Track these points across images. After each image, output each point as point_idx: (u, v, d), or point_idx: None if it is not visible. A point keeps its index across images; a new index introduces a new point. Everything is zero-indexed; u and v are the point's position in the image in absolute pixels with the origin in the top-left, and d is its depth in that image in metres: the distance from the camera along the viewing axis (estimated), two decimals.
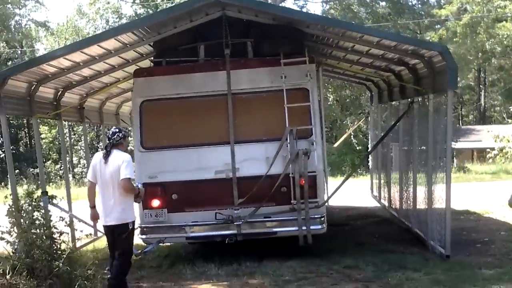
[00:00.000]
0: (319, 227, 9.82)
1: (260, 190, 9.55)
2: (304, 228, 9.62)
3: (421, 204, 10.90)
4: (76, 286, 7.68)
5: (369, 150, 20.27)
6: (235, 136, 9.93)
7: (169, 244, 11.36)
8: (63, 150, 15.41)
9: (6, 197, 8.49)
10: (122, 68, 12.20)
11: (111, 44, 10.55)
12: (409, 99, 11.64)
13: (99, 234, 12.89)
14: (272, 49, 10.18)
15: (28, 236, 7.95)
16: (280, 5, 43.70)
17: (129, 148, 9.18)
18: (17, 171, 36.50)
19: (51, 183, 34.69)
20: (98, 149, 42.08)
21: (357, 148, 37.40)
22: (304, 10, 73.52)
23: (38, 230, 8.20)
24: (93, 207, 8.10)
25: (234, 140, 9.92)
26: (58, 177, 39.70)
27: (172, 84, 10.23)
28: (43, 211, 8.60)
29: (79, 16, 50.88)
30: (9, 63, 46.69)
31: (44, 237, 8.13)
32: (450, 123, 9.30)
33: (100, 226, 8.34)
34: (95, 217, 8.14)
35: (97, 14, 49.74)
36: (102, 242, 12.24)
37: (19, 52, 49.04)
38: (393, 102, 13.52)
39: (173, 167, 9.94)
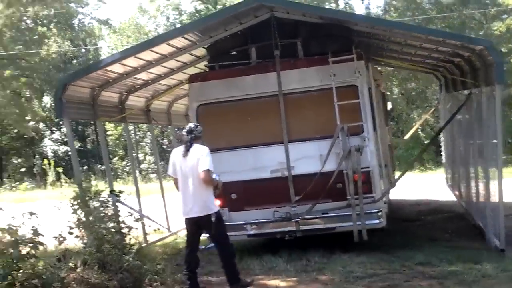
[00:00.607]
0: (376, 221, 10.05)
1: (315, 187, 9.87)
2: (359, 223, 9.87)
3: (482, 198, 10.88)
4: (146, 280, 8.12)
5: (429, 142, 20.02)
6: (288, 135, 10.30)
7: (236, 240, 11.83)
8: (130, 150, 16.19)
9: (75, 195, 8.96)
10: (182, 71, 12.68)
11: (164, 49, 11.07)
12: (467, 91, 11.71)
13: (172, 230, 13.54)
14: (321, 48, 10.50)
15: (98, 230, 8.41)
16: None
17: None
18: (85, 167, 37.85)
19: (118, 179, 35.87)
20: (163, 146, 43.18)
21: (425, 142, 36.57)
22: (366, 1, 72.57)
23: (107, 225, 8.66)
24: None
25: (288, 139, 10.29)
26: (125, 173, 40.84)
27: (226, 87, 10.66)
28: (110, 206, 9.11)
29: (140, 13, 51.81)
30: (74, 61, 48.00)
31: (114, 232, 8.62)
32: (499, 117, 9.34)
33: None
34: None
35: (157, 11, 50.54)
36: (171, 238, 12.88)
37: (83, 50, 50.34)
38: (456, 93, 13.52)
39: (231, 167, 10.28)
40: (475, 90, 11.06)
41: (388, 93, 35.09)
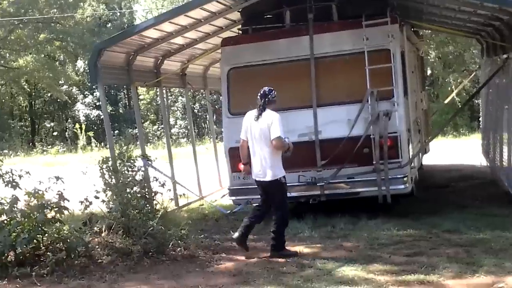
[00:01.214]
0: (401, 187, 9.92)
1: (342, 152, 9.76)
2: (383, 188, 9.75)
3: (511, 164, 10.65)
4: (170, 245, 8.13)
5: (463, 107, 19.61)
6: (317, 99, 10.17)
7: None
8: (163, 115, 16.16)
9: (103, 159, 8.97)
10: (218, 35, 12.53)
11: (198, 13, 10.93)
12: (505, 55, 11.41)
13: (202, 194, 13.57)
14: (355, 10, 10.26)
15: (123, 195, 8.40)
16: None
17: None
18: (116, 131, 38.18)
19: (148, 144, 36.11)
20: (194, 110, 43.24)
21: (459, 106, 35.81)
22: None
23: (133, 190, 8.66)
24: (245, 163, 8.51)
25: (317, 104, 10.16)
26: (156, 138, 41.13)
27: (258, 51, 10.58)
28: (138, 171, 9.08)
29: None
30: (109, 25, 48.12)
31: (139, 197, 8.62)
32: None
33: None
34: (248, 172, 8.55)
35: None
36: (199, 203, 12.90)
37: (118, 14, 50.40)
38: (496, 57, 13.13)
39: None
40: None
41: (427, 57, 34.45)
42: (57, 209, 7.81)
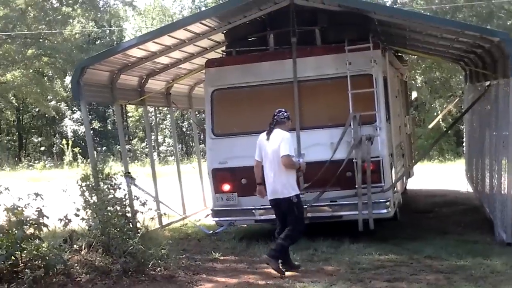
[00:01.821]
0: (384, 211, 9.97)
1: (325, 175, 9.82)
2: (366, 212, 9.79)
3: (493, 190, 10.70)
4: (150, 265, 8.11)
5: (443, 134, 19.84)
6: (300, 122, 10.25)
7: (245, 226, 11.81)
8: (148, 133, 16.19)
9: (83, 176, 8.95)
10: (202, 55, 12.59)
11: (182, 34, 11.02)
12: (487, 82, 11.55)
13: (186, 213, 13.64)
14: (338, 36, 10.39)
15: (103, 213, 8.38)
16: None
17: None
18: (104, 148, 38.09)
19: (136, 161, 36.05)
20: (182, 129, 43.27)
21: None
22: None
23: (113, 208, 8.64)
24: (259, 183, 8.69)
25: (300, 127, 10.24)
26: (144, 155, 41.09)
27: (241, 73, 10.68)
28: (118, 189, 9.06)
29: None
30: (98, 42, 48.16)
31: (119, 215, 8.59)
32: None
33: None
34: (262, 193, 8.72)
35: None
36: (183, 223, 12.90)
37: (108, 31, 50.49)
38: (478, 84, 13.36)
39: (242, 153, 10.26)
40: (494, 82, 10.88)
41: (412, 82, 34.70)
42: (36, 225, 7.79)
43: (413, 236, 10.45)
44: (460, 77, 31.65)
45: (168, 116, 43.27)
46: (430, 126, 24.54)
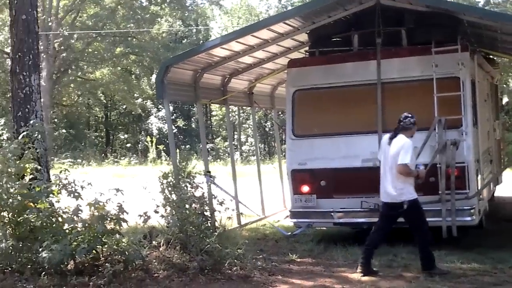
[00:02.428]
0: (468, 218, 9.63)
1: None
2: (449, 219, 9.48)
3: None
4: (226, 264, 8.13)
5: None
6: (383, 125, 10.01)
7: (324, 228, 11.71)
8: (229, 132, 16.44)
9: (164, 174, 9.05)
10: (285, 55, 12.55)
11: (266, 34, 11.04)
12: None
13: (265, 213, 13.68)
14: (425, 37, 10.11)
15: (182, 211, 8.46)
16: None
17: None
18: (188, 146, 38.71)
19: (218, 160, 36.45)
20: (265, 129, 43.41)
21: None
22: None
23: (192, 206, 8.70)
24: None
25: (382, 129, 9.98)
26: (226, 154, 41.51)
27: (324, 73, 10.55)
28: (197, 187, 9.10)
29: None
30: (184, 41, 49.07)
31: (198, 214, 8.63)
32: None
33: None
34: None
35: None
36: (261, 223, 12.93)
37: (194, 30, 51.32)
38: None
39: (322, 154, 10.27)
40: None
41: (504, 85, 33.48)
42: (116, 220, 7.94)
43: (499, 245, 9.99)
44: None
45: (251, 115, 43.63)
46: None
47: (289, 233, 11.08)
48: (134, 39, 40.28)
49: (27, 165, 8.50)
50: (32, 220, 8.02)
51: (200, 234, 8.25)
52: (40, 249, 7.56)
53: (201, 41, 44.52)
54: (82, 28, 38.33)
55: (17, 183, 8.15)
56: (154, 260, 8.10)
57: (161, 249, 8.31)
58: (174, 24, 47.69)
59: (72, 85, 41.39)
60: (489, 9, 36.86)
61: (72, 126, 44.95)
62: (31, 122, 9.12)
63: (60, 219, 8.12)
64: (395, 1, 10.54)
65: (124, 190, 8.36)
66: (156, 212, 8.73)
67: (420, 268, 8.33)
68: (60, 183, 8.30)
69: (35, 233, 7.98)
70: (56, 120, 41.37)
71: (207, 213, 8.88)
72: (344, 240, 10.41)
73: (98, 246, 7.89)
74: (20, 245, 7.93)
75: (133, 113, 45.16)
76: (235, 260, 8.27)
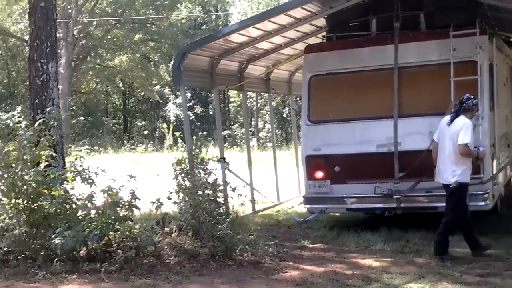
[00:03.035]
0: (482, 203, 9.50)
1: (422, 165, 9.41)
2: None
3: None
4: (237, 250, 8.09)
5: None
6: (399, 110, 9.92)
7: (337, 214, 11.66)
8: (245, 119, 16.39)
9: (178, 160, 9.01)
10: (303, 40, 12.45)
11: (283, 19, 10.93)
12: None
13: (280, 200, 13.64)
14: (444, 20, 9.99)
15: (194, 197, 8.42)
16: None
17: None
18: (205, 133, 38.72)
19: (235, 146, 36.43)
20: (283, 115, 43.30)
21: None
22: None
23: (204, 192, 8.66)
24: (435, 166, 8.67)
25: (398, 114, 9.91)
26: (243, 141, 41.49)
27: (341, 59, 10.47)
28: (210, 174, 9.02)
29: None
30: (204, 27, 48.96)
31: (210, 200, 8.61)
32: None
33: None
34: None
35: None
36: (275, 209, 12.89)
37: (213, 16, 51.19)
38: None
39: (337, 140, 10.20)
40: None
41: None
42: (128, 207, 7.93)
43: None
44: None
45: (268, 101, 43.54)
46: None
47: (302, 219, 11.02)
48: (153, 26, 40.27)
49: (42, 152, 8.50)
50: (46, 206, 8.03)
51: (212, 221, 8.21)
52: (53, 236, 7.58)
53: (220, 27, 44.39)
54: (102, 15, 38.40)
55: (32, 170, 8.14)
56: (166, 247, 8.07)
57: (173, 235, 8.29)
58: (193, 10, 47.56)
59: (90, 72, 41.51)
60: None
61: (91, 113, 45.07)
62: (48, 109, 9.12)
63: (74, 205, 8.14)
64: None
65: (139, 177, 8.37)
66: (169, 198, 8.71)
67: (433, 253, 8.30)
68: (75, 170, 8.30)
69: (49, 219, 8.00)
70: (74, 107, 41.52)
71: (220, 200, 8.83)
72: (356, 226, 10.37)
73: (110, 233, 7.89)
74: (34, 231, 7.93)
75: (151, 100, 45.24)
76: (247, 246, 8.25)
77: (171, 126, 34.33)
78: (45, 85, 10.04)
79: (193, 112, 43.28)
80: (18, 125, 8.83)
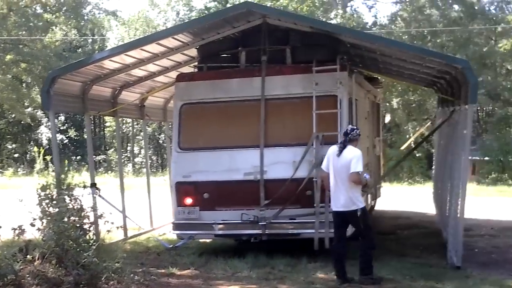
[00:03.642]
0: None
1: (286, 193, 9.90)
2: (322, 231, 9.85)
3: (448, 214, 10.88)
4: (103, 278, 7.97)
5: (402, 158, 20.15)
6: (265, 140, 10.35)
7: (207, 241, 11.84)
8: (119, 145, 16.38)
9: (42, 186, 8.79)
10: (177, 69, 12.66)
11: (155, 48, 11.11)
12: (452, 108, 11.77)
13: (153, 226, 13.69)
14: (308, 56, 10.58)
15: (58, 224, 8.21)
16: (348, 3, 43.90)
17: None
18: (79, 157, 37.84)
19: (109, 172, 35.87)
20: (159, 141, 43.17)
21: (416, 154, 36.26)
22: (373, 10, 72.24)
23: (69, 219, 8.44)
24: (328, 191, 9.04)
25: (264, 144, 10.33)
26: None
27: (211, 88, 10.78)
28: (76, 200, 8.86)
29: (150, 7, 51.91)
30: (79, 50, 48.06)
31: (74, 227, 8.37)
32: (468, 136, 9.57)
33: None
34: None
35: (168, 6, 50.61)
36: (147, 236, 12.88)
37: (90, 40, 50.36)
38: (446, 108, 13.53)
39: (206, 167, 10.47)
40: (457, 108, 11.05)
41: (388, 104, 34.98)
42: None
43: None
44: (434, 101, 32.13)
45: (146, 126, 43.21)
46: (402, 148, 24.82)
47: (171, 246, 11.14)
48: (25, 47, 39.04)
49: None
50: None
51: (77, 248, 8.06)
52: None
53: (97, 51, 43.76)
54: None
55: None
56: (28, 275, 7.84)
57: (35, 263, 8.07)
58: (69, 32, 46.58)
59: None
60: (376, 30, 38.56)
61: None
62: None
63: None
64: (280, 21, 10.92)
65: (2, 202, 8.10)
66: (32, 225, 8.51)
67: (359, 273, 8.69)
68: None
69: None
70: None
71: (86, 226, 8.73)
72: (225, 252, 10.57)
73: None
74: None
75: (22, 122, 43.65)
76: (113, 274, 8.12)
77: (42, 150, 33.29)
78: None
79: (67, 135, 42.27)
80: None
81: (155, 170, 36.50)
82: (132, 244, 12.16)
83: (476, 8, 42.17)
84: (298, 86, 10.45)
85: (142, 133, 43.70)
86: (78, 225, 8.49)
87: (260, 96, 10.50)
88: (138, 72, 12.33)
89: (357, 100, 11.44)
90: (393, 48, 10.66)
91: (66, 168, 9.95)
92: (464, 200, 9.49)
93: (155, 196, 14.59)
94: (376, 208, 15.53)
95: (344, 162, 8.52)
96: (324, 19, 37.93)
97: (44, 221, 8.44)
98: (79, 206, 8.75)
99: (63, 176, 9.20)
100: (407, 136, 32.17)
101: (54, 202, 8.58)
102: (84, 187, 9.23)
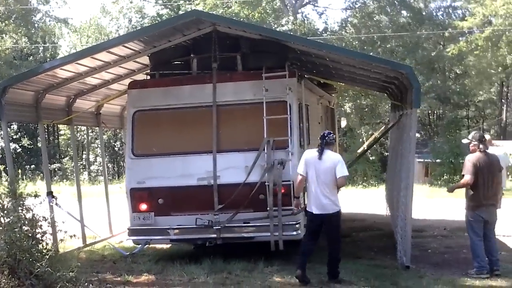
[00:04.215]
0: (293, 233, 10.18)
1: (239, 197, 10.03)
2: (276, 234, 10.03)
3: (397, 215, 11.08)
4: None
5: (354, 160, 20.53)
6: (217, 145, 10.48)
7: (164, 247, 11.91)
8: (74, 152, 16.29)
9: None
10: (131, 77, 12.69)
11: (106, 56, 11.14)
12: (400, 111, 12.08)
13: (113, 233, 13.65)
14: (258, 62, 10.72)
15: (9, 235, 8.13)
16: (299, 10, 44.39)
17: None
18: (33, 166, 37.31)
19: (65, 180, 35.49)
20: (115, 148, 42.83)
21: (370, 158, 37.04)
22: (323, 16, 73.38)
23: (21, 229, 8.36)
24: (297, 197, 9.35)
25: (217, 149, 10.47)
26: (74, 174, 40.47)
27: (163, 95, 10.86)
28: (28, 210, 8.75)
29: (102, 14, 51.62)
30: (30, 58, 47.46)
31: (27, 237, 8.31)
32: (413, 139, 9.88)
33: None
34: (298, 205, 9.40)
35: (120, 13, 50.38)
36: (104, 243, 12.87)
37: (41, 48, 49.76)
38: (396, 112, 13.86)
39: (160, 173, 10.54)
40: (405, 112, 11.36)
41: (342, 108, 35.49)
42: None
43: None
44: (386, 105, 32.78)
45: (100, 139, 42.89)
46: (358, 151, 25.29)
47: (128, 253, 11.18)
48: None
49: None
50: None
51: (29, 258, 8.03)
52: None
53: (48, 59, 43.26)
54: None
55: None
56: None
57: None
58: (19, 40, 45.97)
59: None
60: (327, 36, 39.07)
61: None
62: None
63: None
64: (230, 29, 11.07)
65: None
66: None
67: (333, 277, 9.08)
68: None
69: None
70: None
71: (38, 236, 8.70)
72: (181, 258, 10.61)
73: None
74: None
75: None
76: (67, 284, 8.08)
77: None
78: None
79: (20, 144, 41.60)
80: None
81: (111, 177, 36.25)
82: (88, 252, 12.10)
83: (424, 13, 43.27)
84: (249, 92, 10.61)
85: (97, 141, 43.43)
86: (30, 234, 8.43)
87: (212, 103, 10.63)
88: (92, 80, 12.31)
89: (308, 105, 11.66)
90: (340, 55, 10.90)
91: (20, 177, 9.76)
92: (411, 201, 9.75)
93: (113, 203, 14.54)
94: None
95: (328, 165, 8.80)
96: (275, 26, 38.41)
97: None
98: (30, 216, 8.71)
99: (15, 185, 9.10)
100: (360, 140, 32.73)
101: (5, 212, 8.53)
102: (36, 196, 9.18)
